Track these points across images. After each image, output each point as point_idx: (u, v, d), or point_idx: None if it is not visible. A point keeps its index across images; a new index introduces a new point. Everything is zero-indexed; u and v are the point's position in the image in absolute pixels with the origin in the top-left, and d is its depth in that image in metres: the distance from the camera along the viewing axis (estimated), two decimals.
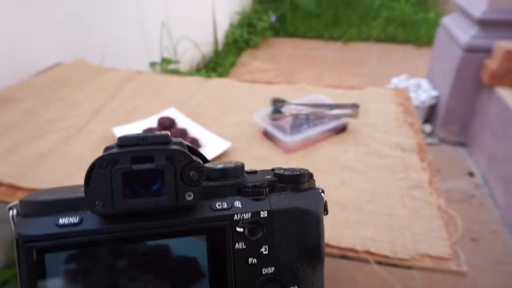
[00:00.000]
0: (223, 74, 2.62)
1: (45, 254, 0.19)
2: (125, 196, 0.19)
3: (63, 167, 0.84)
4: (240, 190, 0.22)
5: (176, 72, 1.99)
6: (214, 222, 0.21)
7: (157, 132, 0.20)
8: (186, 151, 0.20)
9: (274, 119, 0.93)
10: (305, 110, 0.95)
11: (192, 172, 0.19)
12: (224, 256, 0.21)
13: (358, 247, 0.63)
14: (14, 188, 0.79)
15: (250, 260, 0.21)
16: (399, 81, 2.16)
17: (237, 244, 0.21)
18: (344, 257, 0.63)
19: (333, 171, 0.81)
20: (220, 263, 0.21)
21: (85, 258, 0.19)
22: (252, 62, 2.93)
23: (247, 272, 0.21)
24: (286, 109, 0.94)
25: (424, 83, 2.05)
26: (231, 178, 0.22)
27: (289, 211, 0.22)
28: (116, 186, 0.18)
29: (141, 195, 0.19)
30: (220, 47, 2.96)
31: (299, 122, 0.93)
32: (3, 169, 0.82)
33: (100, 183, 0.18)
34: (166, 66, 2.09)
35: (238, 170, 0.22)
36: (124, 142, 0.19)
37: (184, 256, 0.20)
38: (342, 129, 0.94)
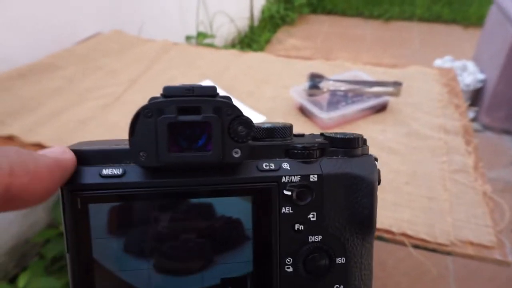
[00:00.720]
0: (258, 50, 2.58)
1: (89, 204, 0.18)
2: (170, 149, 0.18)
3: (101, 133, 0.86)
4: (288, 152, 0.20)
5: (211, 46, 1.97)
6: (261, 183, 0.19)
7: (204, 84, 0.19)
8: (235, 104, 0.18)
9: (311, 95, 0.90)
10: (343, 87, 0.91)
11: (240, 127, 0.18)
12: (269, 220, 0.20)
13: (394, 229, 0.61)
14: None
15: (296, 226, 0.20)
16: (442, 63, 2.05)
17: (283, 208, 0.20)
18: (380, 238, 0.61)
19: (370, 151, 0.78)
20: (265, 227, 0.20)
21: (128, 211, 0.19)
22: (288, 39, 2.86)
23: (293, 238, 0.20)
24: (323, 85, 0.91)
25: (471, 65, 1.93)
26: (278, 139, 0.21)
27: (340, 176, 0.20)
28: (161, 138, 0.18)
29: (186, 149, 0.18)
30: (256, 22, 2.91)
31: (337, 99, 0.89)
32: (46, 133, 0.85)
33: (145, 133, 0.18)
34: (201, 40, 2.08)
35: (287, 130, 0.21)
36: (170, 92, 0.18)
37: (228, 216, 0.19)
38: (381, 108, 0.90)
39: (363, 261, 0.21)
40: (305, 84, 0.91)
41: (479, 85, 1.86)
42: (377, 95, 0.89)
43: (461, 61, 2.00)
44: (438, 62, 2.09)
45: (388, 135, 0.83)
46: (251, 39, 2.71)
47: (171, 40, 1.33)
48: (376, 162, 0.22)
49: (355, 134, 0.21)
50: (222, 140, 0.18)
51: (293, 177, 0.20)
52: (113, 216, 0.19)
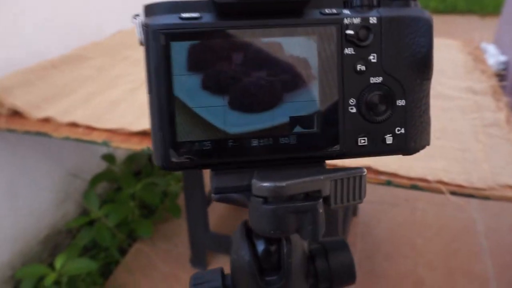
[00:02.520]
0: None
1: (171, 41, 0.20)
2: None
3: (132, 112, 0.89)
4: (346, 3, 0.22)
5: None
6: (325, 24, 0.21)
7: None
8: None
9: None
10: None
11: None
12: (333, 59, 0.21)
13: (429, 177, 0.61)
14: (91, 128, 0.85)
15: (358, 66, 0.21)
16: None
17: (346, 49, 0.21)
18: (415, 187, 0.61)
19: None
20: (330, 66, 0.21)
21: (205, 49, 0.20)
22: None
23: (355, 78, 0.21)
24: None
25: (491, 48, 1.91)
26: None
27: (398, 18, 0.21)
28: None
29: None
30: None
31: None
32: (81, 114, 0.89)
33: None
34: None
35: None
36: None
37: (296, 56, 0.21)
38: None
39: (422, 105, 0.22)
40: None
41: (501, 66, 1.83)
42: None
43: (482, 44, 1.98)
44: None
45: None
46: None
47: None
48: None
49: None
50: None
51: (354, 19, 0.21)
52: (193, 53, 0.20)
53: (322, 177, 0.19)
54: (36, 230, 1.23)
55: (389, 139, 0.22)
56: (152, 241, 1.32)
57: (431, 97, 0.78)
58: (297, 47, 0.21)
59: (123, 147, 0.80)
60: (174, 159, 0.21)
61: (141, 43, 0.21)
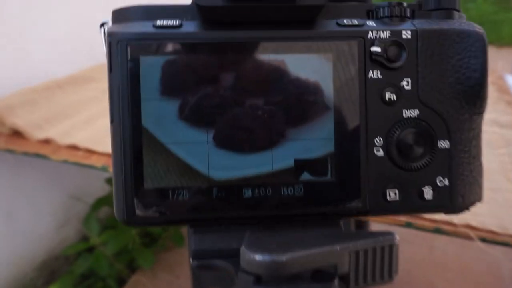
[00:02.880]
0: None
1: (141, 56, 0.15)
2: None
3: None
4: (371, 12, 0.17)
5: None
6: (343, 38, 0.16)
7: None
8: None
9: None
10: None
11: None
12: (354, 85, 0.16)
13: (456, 220, 0.54)
14: (90, 152, 0.81)
15: (387, 95, 0.16)
16: None
17: (371, 71, 0.16)
18: (438, 231, 0.55)
19: None
20: (349, 93, 0.16)
21: (185, 66, 0.15)
22: None
23: (383, 112, 0.16)
24: None
25: (510, 79, 1.84)
26: (357, 1, 0.17)
27: (441, 32, 0.16)
28: None
29: None
30: None
31: None
32: (81, 136, 0.85)
33: None
34: None
35: None
36: None
37: (304, 78, 0.16)
38: None
39: (471, 148, 0.17)
40: None
41: None
42: None
43: (504, 74, 1.92)
44: None
45: None
46: None
47: None
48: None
49: None
50: None
51: (381, 32, 0.16)
52: (168, 72, 0.15)
53: (338, 247, 0.14)
54: (32, 255, 1.18)
55: (428, 193, 0.16)
56: (153, 271, 1.25)
57: None
58: (306, 67, 0.16)
59: None
60: (139, 212, 0.15)
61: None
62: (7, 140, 0.86)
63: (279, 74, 0.16)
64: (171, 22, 0.16)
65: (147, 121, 0.15)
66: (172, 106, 0.15)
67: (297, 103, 0.16)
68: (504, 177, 0.63)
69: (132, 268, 1.25)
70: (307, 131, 0.16)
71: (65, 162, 0.80)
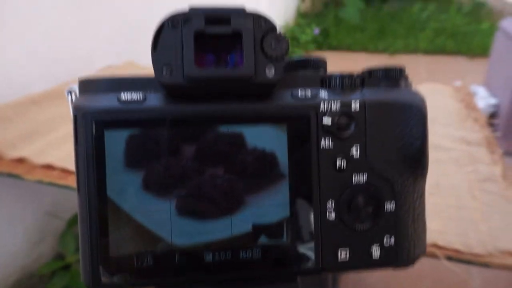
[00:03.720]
0: None
1: (105, 130, 0.16)
2: (197, 63, 0.16)
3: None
4: (324, 81, 0.18)
5: None
6: (297, 110, 0.17)
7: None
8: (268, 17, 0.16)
9: None
10: None
11: (274, 42, 0.16)
12: (308, 154, 0.17)
13: None
14: (66, 172, 0.80)
15: (338, 162, 0.17)
16: None
17: (323, 140, 0.17)
18: None
19: None
20: (303, 162, 0.17)
21: (148, 139, 0.16)
22: None
23: (335, 178, 0.17)
24: None
25: (481, 90, 1.92)
26: (312, 70, 0.19)
27: (386, 104, 0.18)
28: (187, 49, 0.16)
29: (214, 64, 0.16)
30: None
31: None
32: (58, 155, 0.84)
33: (169, 44, 0.16)
34: None
35: (321, 63, 0.19)
36: (195, 7, 0.16)
37: (261, 149, 0.17)
38: None
39: (416, 208, 0.18)
40: None
41: (492, 109, 1.84)
42: None
43: (472, 86, 1.99)
44: None
45: None
46: None
47: None
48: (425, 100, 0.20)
49: (396, 65, 0.19)
50: (255, 55, 0.16)
51: (332, 103, 0.17)
52: (132, 145, 0.16)
53: None
54: (6, 274, 1.15)
55: (376, 252, 0.18)
56: None
57: None
58: (262, 138, 0.17)
59: None
60: (105, 279, 0.16)
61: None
62: None
63: (237, 145, 0.17)
64: (135, 96, 0.17)
65: (112, 192, 0.16)
66: (136, 177, 0.16)
67: (255, 172, 0.17)
68: (470, 195, 0.66)
69: None
70: (264, 198, 0.17)
71: (40, 182, 0.79)
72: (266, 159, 0.17)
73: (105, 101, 0.16)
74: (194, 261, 0.16)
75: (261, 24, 0.16)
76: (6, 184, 1.10)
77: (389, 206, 0.18)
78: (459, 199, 0.65)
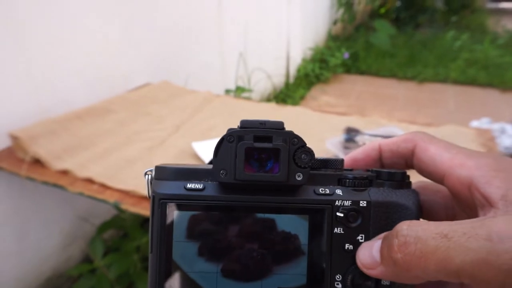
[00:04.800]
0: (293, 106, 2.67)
1: (174, 211, 0.22)
2: (245, 169, 0.22)
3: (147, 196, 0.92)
4: (341, 181, 0.24)
5: (249, 99, 2.08)
6: (317, 205, 0.23)
7: (273, 120, 0.23)
8: (300, 136, 0.22)
9: (346, 147, 0.93)
10: None
11: (303, 155, 0.22)
12: (323, 237, 0.22)
13: None
14: (104, 187, 0.88)
15: (346, 246, 0.23)
16: (480, 125, 2.03)
17: (336, 228, 0.23)
18: None
19: None
20: (319, 244, 0.22)
21: (204, 220, 0.22)
22: (322, 96, 2.96)
23: (343, 257, 0.23)
24: (359, 139, 0.94)
25: (509, 128, 1.90)
26: (332, 169, 0.24)
27: (387, 204, 0.23)
28: (239, 159, 0.21)
29: (258, 170, 0.22)
30: (291, 80, 3.04)
31: None
32: (97, 170, 0.92)
33: (226, 155, 0.22)
34: (239, 94, 2.20)
35: (339, 162, 0.24)
36: (246, 124, 0.22)
37: (287, 232, 0.22)
38: None
39: (406, 285, 0.23)
40: (341, 136, 0.95)
41: None
42: None
43: (500, 124, 1.98)
44: (475, 124, 2.08)
45: None
46: (286, 95, 2.83)
47: (213, 92, 1.43)
48: (419, 196, 0.24)
49: (399, 169, 0.24)
50: (288, 165, 0.22)
51: (345, 201, 0.23)
52: (193, 223, 0.22)
53: None
54: (39, 272, 1.24)
55: None
56: None
57: None
58: (289, 224, 0.22)
59: (132, 211, 0.82)
60: None
61: (149, 197, 0.23)
62: (29, 168, 0.93)
63: (270, 228, 0.22)
64: (197, 185, 0.23)
65: (176, 256, 0.22)
66: (194, 246, 0.22)
67: (281, 249, 0.22)
68: None
69: None
70: (287, 269, 0.22)
71: (81, 194, 0.86)
72: (291, 240, 0.22)
73: (175, 189, 0.22)
74: None
75: (294, 141, 0.22)
76: (46, 189, 1.19)
77: (385, 282, 0.23)
78: None
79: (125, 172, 0.92)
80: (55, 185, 0.90)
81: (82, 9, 1.26)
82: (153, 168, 0.24)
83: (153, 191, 0.23)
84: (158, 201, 0.22)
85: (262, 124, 0.22)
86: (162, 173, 0.23)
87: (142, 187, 0.86)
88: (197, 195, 0.22)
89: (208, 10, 2.00)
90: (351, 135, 0.95)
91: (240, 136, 0.22)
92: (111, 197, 0.85)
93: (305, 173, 0.22)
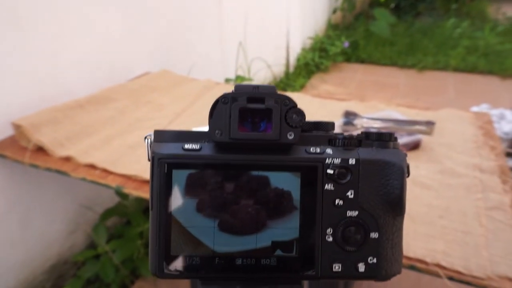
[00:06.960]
0: None
1: (173, 170, 0.23)
2: (239, 129, 0.23)
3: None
4: (331, 141, 0.25)
5: None
6: (308, 162, 0.24)
7: (266, 84, 0.24)
8: (291, 97, 0.23)
9: (345, 131, 0.94)
10: (376, 124, 0.95)
11: (294, 115, 0.23)
12: (314, 193, 0.24)
13: (428, 259, 0.62)
14: (107, 172, 0.89)
15: (337, 201, 0.24)
16: (479, 110, 2.04)
17: (326, 185, 0.24)
18: (412, 268, 0.62)
19: None
20: (311, 199, 0.24)
21: (201, 178, 0.23)
22: (322, 85, 2.96)
23: (333, 211, 0.24)
24: (357, 122, 0.95)
25: (508, 114, 1.91)
26: (322, 131, 0.25)
27: (375, 161, 0.24)
28: (233, 119, 0.23)
29: (252, 130, 0.23)
30: (291, 69, 3.04)
31: None
32: (99, 156, 0.94)
33: (221, 115, 0.23)
34: (239, 83, 2.21)
35: (329, 125, 0.25)
36: (240, 89, 0.23)
37: (281, 188, 0.24)
38: (414, 146, 0.92)
39: (394, 238, 0.24)
40: (340, 120, 0.96)
41: None
42: (410, 133, 0.91)
43: (499, 110, 1.98)
44: (474, 109, 2.08)
45: (421, 172, 0.84)
46: (286, 84, 2.83)
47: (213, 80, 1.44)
48: (406, 156, 0.26)
49: (388, 131, 0.26)
50: (280, 124, 0.23)
51: (335, 159, 0.24)
52: (190, 181, 0.23)
53: None
54: (43, 259, 1.26)
55: (361, 267, 0.24)
56: (155, 279, 1.32)
57: (438, 171, 0.79)
58: (282, 181, 0.24)
59: (135, 194, 0.84)
60: (166, 270, 0.23)
61: (149, 159, 0.25)
62: (32, 156, 0.95)
63: (264, 185, 0.24)
64: (194, 146, 0.24)
65: (174, 211, 0.23)
66: (192, 202, 0.23)
67: (275, 204, 0.24)
68: (477, 221, 0.70)
69: (136, 275, 1.33)
70: (281, 223, 0.24)
71: (84, 180, 0.88)
72: (284, 196, 0.24)
73: (173, 149, 0.24)
74: (228, 264, 0.23)
75: (285, 102, 0.23)
76: (51, 178, 1.21)
77: (373, 235, 0.24)
78: (466, 224, 0.69)
79: (127, 157, 0.94)
80: (58, 171, 0.91)
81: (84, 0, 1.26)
82: (152, 132, 0.26)
83: (152, 152, 0.24)
84: (158, 161, 0.23)
85: (256, 88, 0.23)
86: (161, 136, 0.25)
87: (144, 172, 0.87)
88: (194, 154, 0.23)
89: (208, 0, 2.00)
90: (349, 118, 0.96)
91: (234, 98, 0.23)
92: (113, 182, 0.86)
93: (297, 133, 0.23)
